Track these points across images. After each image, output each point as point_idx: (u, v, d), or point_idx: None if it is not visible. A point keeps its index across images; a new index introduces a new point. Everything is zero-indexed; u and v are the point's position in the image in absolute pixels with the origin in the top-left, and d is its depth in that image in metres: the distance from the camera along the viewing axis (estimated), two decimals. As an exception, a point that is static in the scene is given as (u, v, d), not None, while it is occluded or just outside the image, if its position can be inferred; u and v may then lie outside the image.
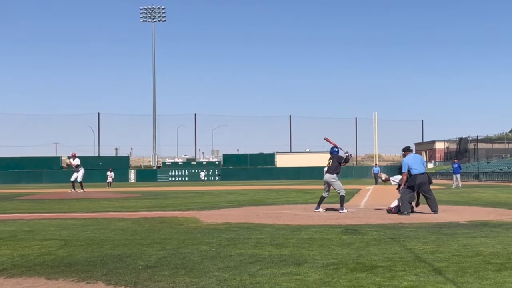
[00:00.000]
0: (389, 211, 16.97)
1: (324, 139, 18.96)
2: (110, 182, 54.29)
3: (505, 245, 9.82)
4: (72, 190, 33.46)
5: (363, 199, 25.32)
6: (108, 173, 55.80)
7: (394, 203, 17.11)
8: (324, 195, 17.98)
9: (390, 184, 18.54)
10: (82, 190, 33.24)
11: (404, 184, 16.77)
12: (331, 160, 17.88)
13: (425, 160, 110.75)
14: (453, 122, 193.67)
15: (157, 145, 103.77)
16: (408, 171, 16.77)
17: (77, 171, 33.67)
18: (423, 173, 16.84)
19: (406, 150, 17.65)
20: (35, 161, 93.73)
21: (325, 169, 18.25)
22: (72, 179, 34.08)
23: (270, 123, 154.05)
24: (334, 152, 18.04)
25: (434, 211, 16.52)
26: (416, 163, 16.99)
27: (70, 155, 35.26)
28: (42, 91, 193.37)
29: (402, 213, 16.15)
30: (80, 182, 33.82)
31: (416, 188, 16.74)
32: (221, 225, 13.65)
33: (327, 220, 14.70)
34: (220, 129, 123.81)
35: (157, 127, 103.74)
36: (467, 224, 13.57)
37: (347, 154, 18.25)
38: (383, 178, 18.97)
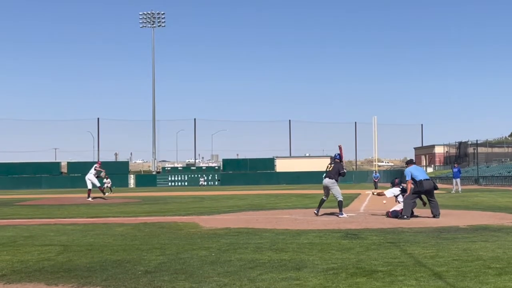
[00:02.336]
0: (387, 214, 17.05)
1: (339, 146, 19.02)
2: (109, 187, 54.00)
3: (505, 249, 9.82)
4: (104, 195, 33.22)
5: (362, 204, 25.29)
6: (104, 180, 55.30)
7: (393, 208, 17.14)
8: (324, 198, 18.03)
9: (384, 195, 18.44)
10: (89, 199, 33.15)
11: (410, 191, 16.81)
12: (332, 165, 17.93)
13: (424, 164, 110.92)
14: (453, 126, 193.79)
15: (157, 150, 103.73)
16: (413, 179, 16.81)
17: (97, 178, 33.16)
18: (428, 179, 16.91)
19: (409, 162, 17.93)
20: (35, 167, 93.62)
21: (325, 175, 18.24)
22: (98, 184, 33.50)
23: (269, 127, 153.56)
24: (337, 157, 18.13)
25: (436, 215, 16.53)
26: (419, 171, 17.18)
27: (97, 164, 34.44)
28: (42, 96, 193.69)
29: (402, 217, 16.16)
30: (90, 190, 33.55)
31: (423, 194, 16.82)
32: (220, 230, 13.65)
33: (327, 225, 14.69)
34: (220, 134, 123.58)
35: (156, 132, 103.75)
36: (467, 228, 13.57)
37: (344, 171, 18.30)
38: (375, 193, 18.86)
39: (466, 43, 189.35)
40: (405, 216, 16.22)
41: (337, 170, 17.74)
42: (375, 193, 18.87)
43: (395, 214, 16.64)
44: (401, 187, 17.82)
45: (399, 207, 17.02)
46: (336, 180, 17.75)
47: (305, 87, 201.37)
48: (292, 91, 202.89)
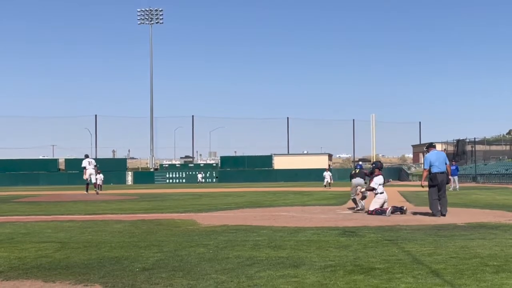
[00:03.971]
0: (371, 213, 17.00)
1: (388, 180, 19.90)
2: (100, 185, 53.70)
3: (502, 247, 9.82)
4: (95, 192, 33.65)
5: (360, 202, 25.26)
6: (97, 175, 54.94)
7: (372, 207, 17.11)
8: (356, 196, 18.78)
9: (365, 197, 18.62)
10: (95, 192, 33.49)
11: (424, 179, 16.77)
12: (357, 170, 19.48)
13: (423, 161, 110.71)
14: (451, 124, 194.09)
15: (155, 147, 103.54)
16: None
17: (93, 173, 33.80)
18: (442, 172, 16.56)
19: (430, 146, 17.62)
20: (32, 163, 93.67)
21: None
22: (93, 181, 34.22)
23: (267, 125, 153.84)
24: (358, 167, 19.87)
25: (444, 214, 16.20)
26: (439, 160, 16.68)
27: (85, 156, 35.40)
28: (39, 93, 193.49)
29: (433, 215, 16.05)
30: (94, 184, 34.14)
31: (437, 185, 16.50)
32: (218, 227, 13.64)
33: (324, 222, 14.70)
34: (218, 131, 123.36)
35: (154, 129, 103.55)
36: (465, 226, 13.57)
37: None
38: (360, 197, 18.90)
39: (464, 42, 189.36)
40: (434, 213, 16.11)
41: (363, 175, 19.11)
42: (360, 196, 18.86)
43: (379, 212, 16.66)
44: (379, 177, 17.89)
45: (378, 204, 17.14)
46: (364, 179, 18.79)
47: (303, 84, 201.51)
48: (290, 88, 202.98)
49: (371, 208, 17.12)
